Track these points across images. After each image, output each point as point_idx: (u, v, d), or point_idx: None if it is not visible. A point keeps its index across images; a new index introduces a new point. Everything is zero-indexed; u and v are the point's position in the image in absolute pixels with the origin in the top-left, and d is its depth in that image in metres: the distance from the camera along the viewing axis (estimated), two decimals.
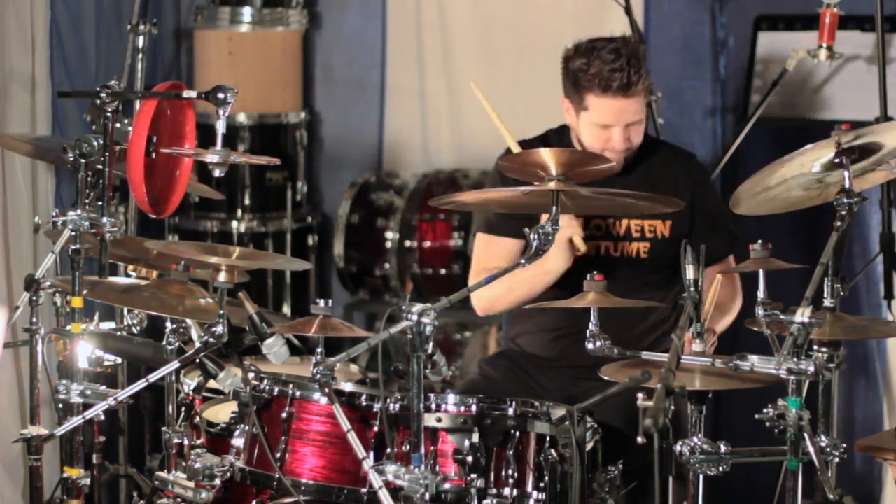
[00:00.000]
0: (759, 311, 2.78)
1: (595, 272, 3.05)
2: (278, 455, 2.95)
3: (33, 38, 4.22)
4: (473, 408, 2.91)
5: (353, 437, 2.81)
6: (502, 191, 3.40)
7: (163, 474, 3.02)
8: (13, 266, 4.07)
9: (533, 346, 3.84)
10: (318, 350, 2.79)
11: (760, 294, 2.81)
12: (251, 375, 3.02)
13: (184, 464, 2.99)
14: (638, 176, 3.69)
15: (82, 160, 3.05)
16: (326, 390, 2.84)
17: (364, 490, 2.90)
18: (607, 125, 3.62)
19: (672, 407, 2.50)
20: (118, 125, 3.10)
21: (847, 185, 2.93)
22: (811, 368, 2.64)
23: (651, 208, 3.32)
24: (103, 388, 3.06)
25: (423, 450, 2.65)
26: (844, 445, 2.91)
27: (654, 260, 3.69)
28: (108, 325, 3.34)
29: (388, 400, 2.91)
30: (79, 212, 3.01)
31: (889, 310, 4.11)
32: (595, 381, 3.60)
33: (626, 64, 3.58)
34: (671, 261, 3.64)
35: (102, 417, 3.14)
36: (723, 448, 2.74)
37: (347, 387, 3.36)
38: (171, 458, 3.02)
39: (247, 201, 5.12)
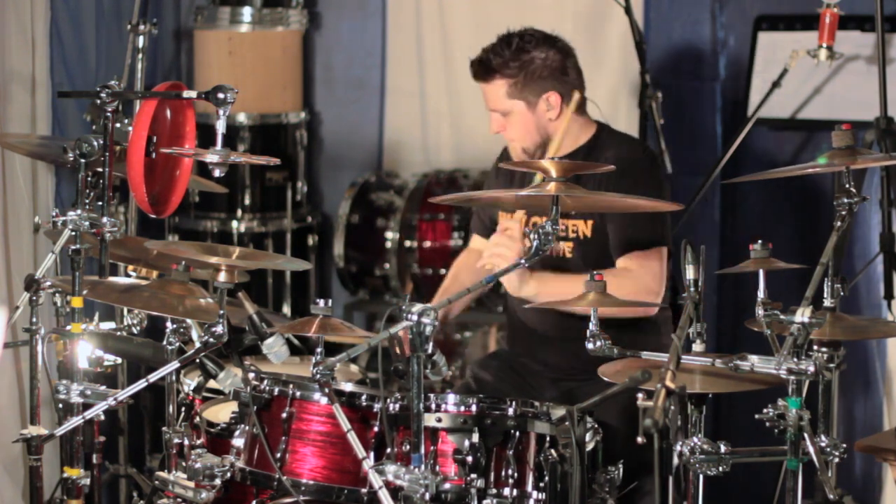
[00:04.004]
0: (759, 311, 2.78)
1: (595, 272, 3.05)
2: (278, 455, 2.95)
3: (33, 38, 4.21)
4: (473, 408, 2.91)
5: (353, 437, 2.80)
6: (502, 190, 3.42)
7: (163, 474, 3.01)
8: (13, 266, 4.06)
9: (514, 347, 3.87)
10: (318, 350, 2.79)
11: (760, 294, 2.81)
12: (251, 375, 3.02)
13: (184, 464, 2.99)
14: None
15: (82, 160, 3.05)
16: (326, 390, 2.84)
17: (364, 490, 2.90)
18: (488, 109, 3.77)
19: (672, 407, 2.50)
20: (118, 125, 3.10)
21: (847, 185, 2.93)
22: (811, 368, 2.64)
23: (653, 207, 3.32)
24: (103, 388, 3.06)
25: (423, 450, 2.65)
26: (844, 445, 2.91)
27: (578, 260, 3.68)
28: (108, 325, 3.33)
29: (388, 400, 2.91)
30: (79, 212, 3.01)
31: (889, 310, 4.11)
32: (576, 381, 3.63)
33: (486, 51, 3.72)
34: (594, 262, 3.62)
35: (102, 417, 3.14)
36: (723, 448, 2.74)
37: (347, 387, 3.36)
38: (171, 458, 3.02)
39: (247, 201, 5.12)
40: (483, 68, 3.70)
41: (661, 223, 3.65)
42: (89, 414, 2.98)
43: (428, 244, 5.01)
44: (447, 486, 2.85)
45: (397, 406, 2.91)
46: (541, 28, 3.84)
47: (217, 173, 2.89)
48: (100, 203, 3.07)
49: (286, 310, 5.10)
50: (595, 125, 3.82)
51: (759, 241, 2.91)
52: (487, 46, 3.73)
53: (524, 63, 3.68)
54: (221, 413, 3.34)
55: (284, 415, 2.97)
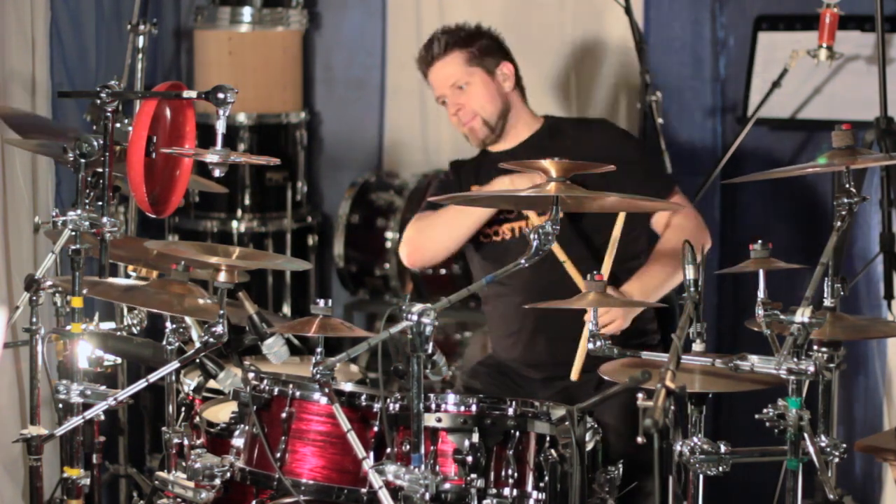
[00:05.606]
0: (759, 311, 2.78)
1: (595, 272, 3.04)
2: (278, 455, 2.95)
3: (33, 38, 4.21)
4: (473, 408, 2.91)
5: (353, 437, 2.80)
6: (501, 191, 3.41)
7: (163, 474, 3.02)
8: (13, 266, 4.06)
9: (500, 349, 3.86)
10: (318, 350, 2.79)
11: (760, 294, 2.80)
12: (251, 375, 3.02)
13: (184, 464, 2.99)
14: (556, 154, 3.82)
15: (82, 160, 3.05)
16: (326, 390, 2.84)
17: (364, 490, 2.90)
18: (440, 97, 3.91)
19: (672, 407, 2.50)
20: (118, 125, 3.09)
21: (847, 185, 2.93)
22: (811, 368, 2.64)
23: (652, 206, 3.32)
24: (103, 388, 3.06)
25: (423, 450, 2.65)
26: (844, 445, 2.91)
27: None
28: (108, 325, 3.33)
29: (388, 400, 2.91)
30: (79, 212, 3.01)
31: (889, 310, 4.11)
32: (565, 378, 3.63)
33: (432, 37, 3.89)
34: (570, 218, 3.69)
35: (102, 417, 3.13)
36: (723, 448, 2.74)
37: (347, 387, 3.36)
38: (171, 458, 3.02)
39: (247, 201, 5.12)
40: (439, 44, 3.86)
41: (662, 167, 4.07)
42: (89, 414, 2.98)
43: None
44: (447, 486, 2.85)
45: (397, 406, 2.91)
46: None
47: (217, 173, 2.89)
48: (100, 203, 3.07)
49: (286, 310, 5.10)
50: (542, 117, 3.95)
51: (759, 241, 2.90)
52: (426, 41, 3.93)
53: (475, 37, 3.90)
54: (221, 413, 3.34)
55: (284, 415, 2.97)
